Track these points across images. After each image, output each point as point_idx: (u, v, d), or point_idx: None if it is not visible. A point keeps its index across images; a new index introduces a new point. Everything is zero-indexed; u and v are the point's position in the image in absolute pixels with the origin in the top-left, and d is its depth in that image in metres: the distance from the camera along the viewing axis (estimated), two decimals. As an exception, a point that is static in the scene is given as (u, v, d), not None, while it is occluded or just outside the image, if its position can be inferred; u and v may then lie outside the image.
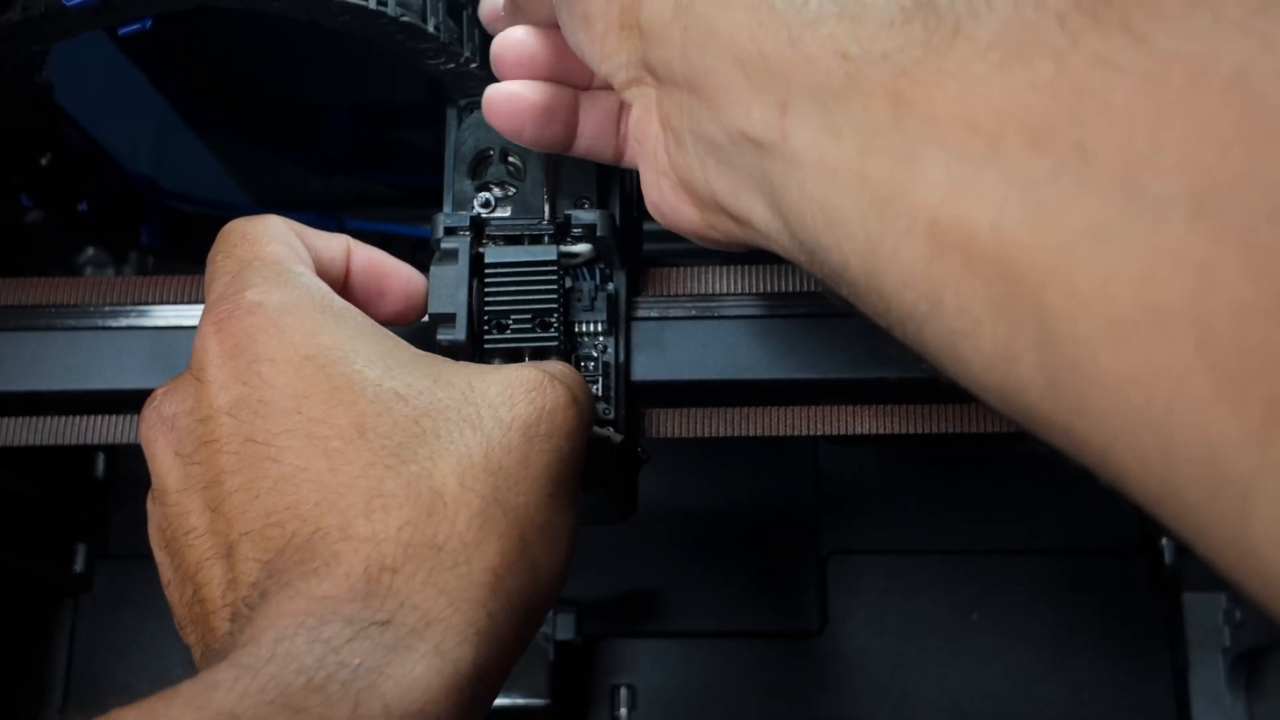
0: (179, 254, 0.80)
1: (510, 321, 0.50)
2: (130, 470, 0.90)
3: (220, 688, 0.33)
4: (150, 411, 0.43)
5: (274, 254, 0.44)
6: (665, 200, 0.44)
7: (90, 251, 0.91)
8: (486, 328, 0.50)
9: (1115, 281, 0.25)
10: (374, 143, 0.87)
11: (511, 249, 0.51)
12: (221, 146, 0.84)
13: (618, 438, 0.50)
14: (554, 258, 0.50)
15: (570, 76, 0.48)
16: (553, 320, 0.50)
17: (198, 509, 0.40)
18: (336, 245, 0.49)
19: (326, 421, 0.39)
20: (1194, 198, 0.24)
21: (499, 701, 0.73)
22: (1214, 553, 0.25)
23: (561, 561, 0.42)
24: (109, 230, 0.71)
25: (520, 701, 0.74)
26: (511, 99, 0.48)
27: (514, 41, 0.48)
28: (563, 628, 0.77)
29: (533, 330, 0.50)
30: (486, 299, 0.50)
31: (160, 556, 0.43)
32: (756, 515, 0.88)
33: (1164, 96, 0.25)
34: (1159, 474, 0.25)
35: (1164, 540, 0.86)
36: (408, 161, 0.88)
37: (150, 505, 0.44)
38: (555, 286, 0.50)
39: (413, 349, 0.43)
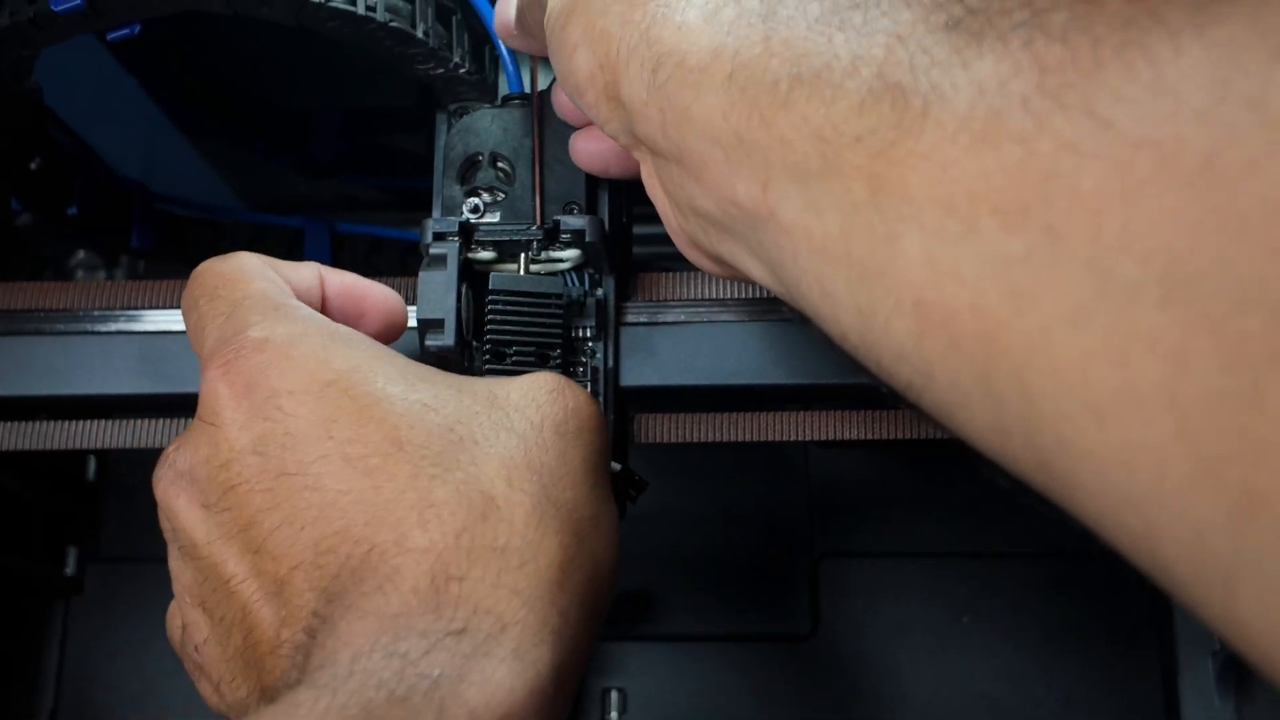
0: (170, 256, 0.80)
1: (511, 352, 0.50)
2: (121, 473, 0.90)
3: (301, 708, 0.32)
4: (164, 470, 0.42)
5: (262, 290, 0.44)
6: (683, 248, 0.44)
7: (81, 255, 0.91)
8: (487, 356, 0.50)
9: (1093, 363, 0.25)
10: (363, 146, 0.87)
11: (519, 278, 0.51)
12: (211, 150, 0.84)
13: (616, 467, 0.50)
14: (560, 291, 0.50)
15: None
16: (554, 355, 0.50)
17: (235, 555, 0.39)
18: (309, 274, 0.48)
19: (360, 441, 0.38)
20: (1164, 283, 0.24)
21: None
22: (1208, 623, 0.25)
23: (615, 551, 0.42)
24: (99, 233, 0.72)
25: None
26: (588, 143, 0.50)
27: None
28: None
29: (533, 363, 0.50)
30: (489, 327, 0.50)
31: (194, 616, 0.41)
32: (748, 518, 0.88)
33: (1132, 181, 0.25)
34: (1147, 550, 0.26)
35: (1154, 542, 0.86)
36: (397, 166, 0.88)
37: (176, 564, 0.42)
38: (560, 320, 0.50)
39: (425, 365, 0.43)
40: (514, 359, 0.50)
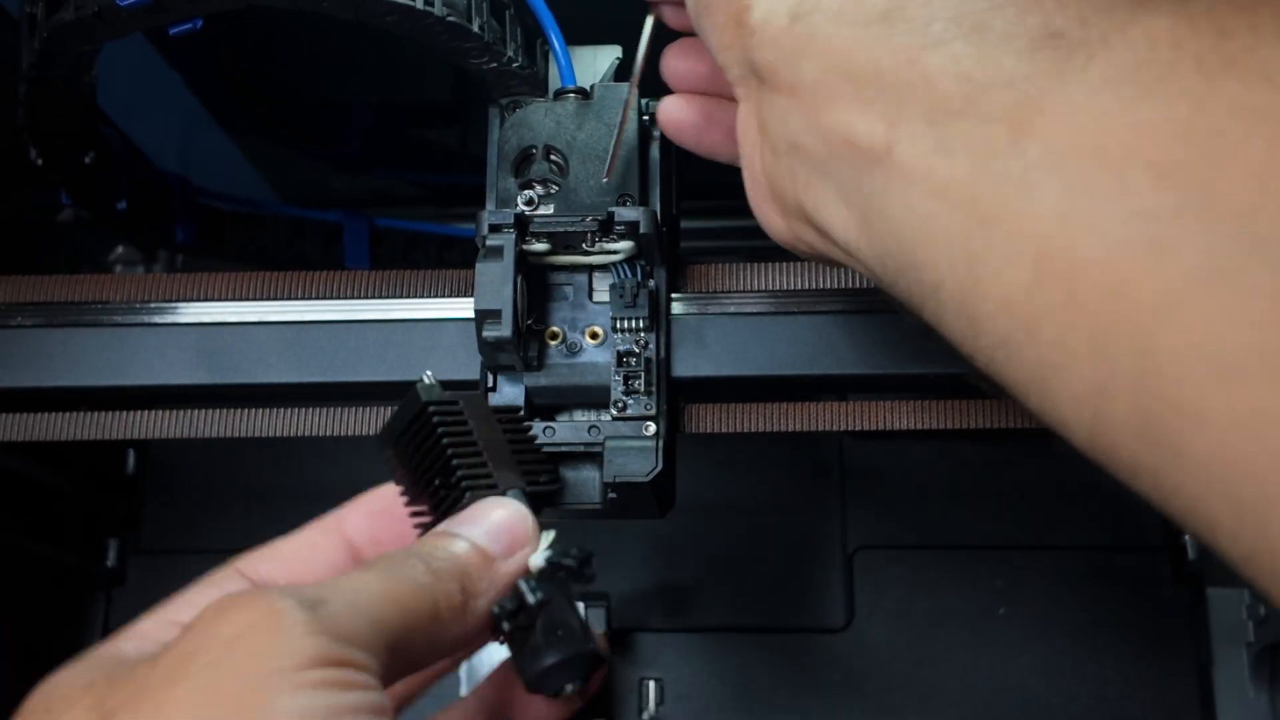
0: (210, 251, 0.81)
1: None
2: (161, 466, 0.90)
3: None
4: None
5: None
6: (758, 204, 0.44)
7: (120, 250, 0.92)
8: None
9: (1230, 324, 0.25)
10: (400, 141, 0.88)
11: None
12: (251, 146, 0.85)
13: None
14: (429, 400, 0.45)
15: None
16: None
17: None
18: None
19: None
20: None
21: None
22: None
23: None
24: (146, 228, 0.72)
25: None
26: (670, 110, 0.49)
27: (679, 52, 0.49)
28: (593, 621, 0.77)
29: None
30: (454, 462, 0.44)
31: None
32: (783, 510, 0.88)
33: None
34: (1257, 526, 0.25)
35: (1187, 535, 0.86)
36: (434, 161, 0.89)
37: None
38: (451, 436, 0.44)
39: None
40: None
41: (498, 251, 0.51)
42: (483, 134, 0.56)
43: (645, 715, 0.83)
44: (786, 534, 0.88)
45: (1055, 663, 0.84)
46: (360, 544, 0.43)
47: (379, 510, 0.44)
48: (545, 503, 0.50)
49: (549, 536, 0.43)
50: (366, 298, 0.58)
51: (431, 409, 0.44)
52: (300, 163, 0.88)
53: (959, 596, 0.85)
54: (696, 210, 0.87)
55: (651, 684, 0.84)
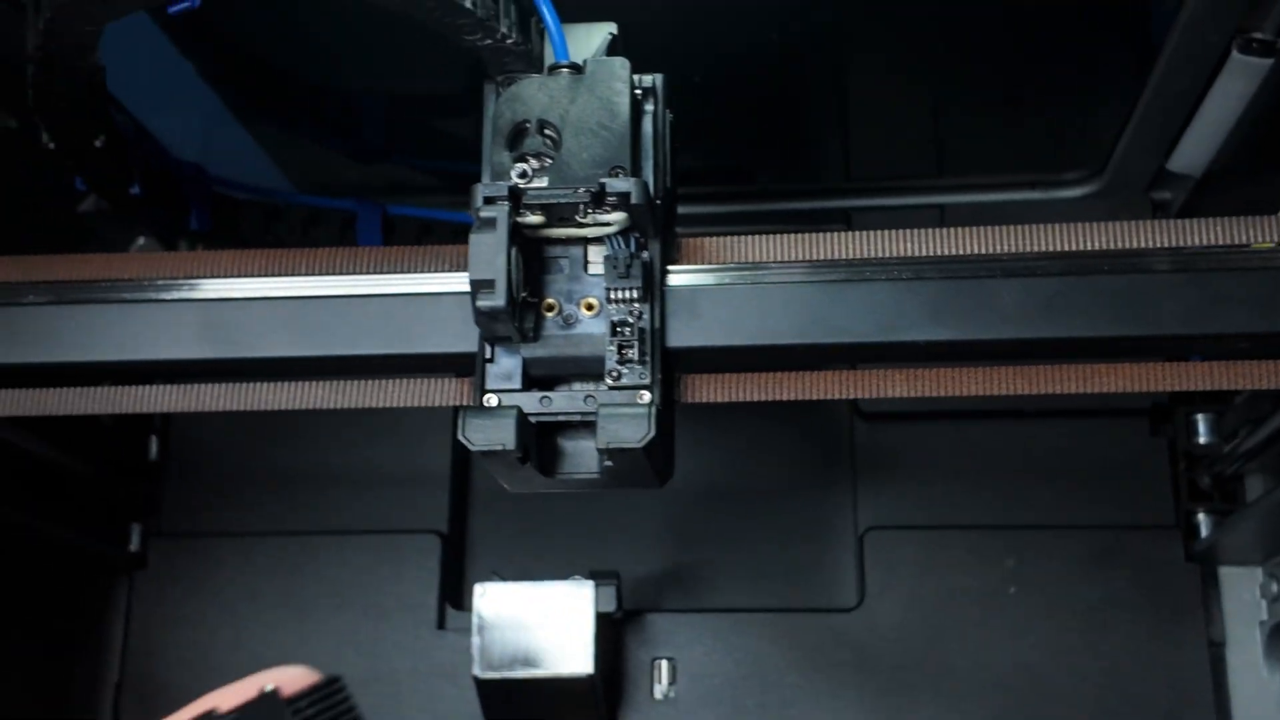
0: (226, 238, 0.82)
1: None
2: (183, 452, 0.92)
3: None
4: None
5: None
6: None
7: (141, 241, 0.93)
8: None
9: None
10: (413, 130, 0.89)
11: None
12: (265, 134, 0.86)
13: None
14: None
15: None
16: None
17: None
18: None
19: None
20: None
21: (539, 672, 0.75)
22: None
23: None
24: (160, 213, 0.74)
25: (563, 673, 0.76)
26: None
27: None
28: (603, 600, 0.78)
29: None
30: None
31: None
32: (793, 491, 0.89)
33: None
34: None
35: (1200, 515, 0.86)
36: (447, 149, 0.90)
37: None
38: None
39: None
40: None
41: (491, 223, 0.52)
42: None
43: (658, 693, 0.84)
44: (797, 515, 0.89)
45: (1066, 642, 0.84)
46: None
47: None
48: None
49: None
50: (367, 273, 0.59)
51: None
52: (315, 152, 0.89)
53: (969, 576, 0.85)
54: (690, 196, 0.89)
55: (664, 663, 0.85)
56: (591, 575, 0.78)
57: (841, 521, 0.88)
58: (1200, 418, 0.86)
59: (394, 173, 0.92)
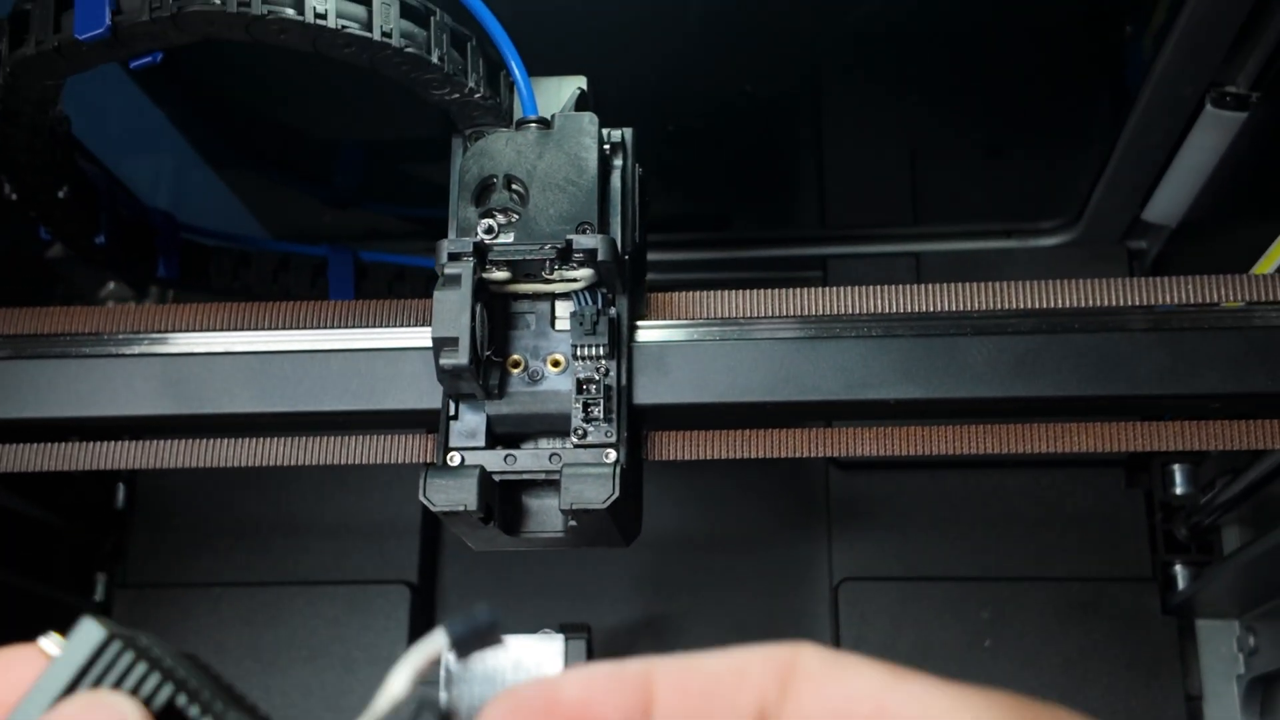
0: (196, 285, 0.81)
1: None
2: (149, 501, 0.91)
3: None
4: None
5: None
6: None
7: (111, 286, 0.93)
8: None
9: None
10: (387, 177, 0.89)
11: None
12: (237, 180, 0.86)
13: None
14: None
15: None
16: None
17: None
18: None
19: None
20: None
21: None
22: None
23: None
24: (127, 262, 0.73)
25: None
26: None
27: None
28: (573, 654, 0.77)
29: None
30: None
31: None
32: (768, 541, 0.88)
33: None
34: None
35: (1177, 567, 0.86)
36: (420, 195, 0.89)
37: None
38: None
39: None
40: None
41: (455, 280, 0.51)
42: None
43: (629, 749, 0.83)
44: (772, 565, 0.88)
45: (1043, 695, 0.82)
46: None
47: None
48: None
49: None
50: (330, 327, 0.58)
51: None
52: (288, 197, 0.89)
53: (945, 629, 0.84)
54: (666, 243, 0.88)
55: (636, 717, 0.83)
56: (562, 629, 0.77)
57: (816, 572, 0.87)
58: (1177, 468, 0.86)
59: (366, 218, 0.92)
